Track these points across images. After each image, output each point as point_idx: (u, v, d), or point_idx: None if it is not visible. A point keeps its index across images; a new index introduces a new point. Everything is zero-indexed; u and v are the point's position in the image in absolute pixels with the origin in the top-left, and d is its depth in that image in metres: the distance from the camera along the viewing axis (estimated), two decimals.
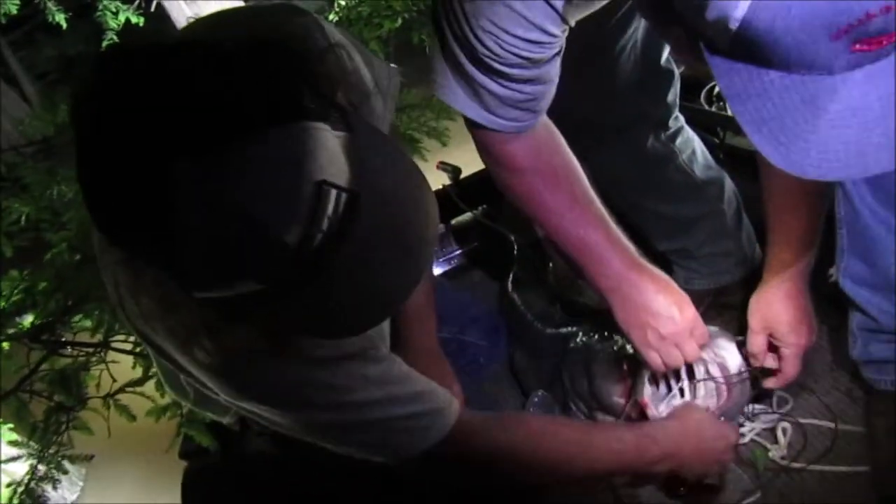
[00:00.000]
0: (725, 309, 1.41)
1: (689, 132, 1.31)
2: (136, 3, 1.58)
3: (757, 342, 1.11)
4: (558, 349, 1.31)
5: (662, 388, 1.14)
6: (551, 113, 1.05)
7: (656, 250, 1.40)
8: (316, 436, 0.89)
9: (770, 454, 1.12)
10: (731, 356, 1.12)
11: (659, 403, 1.12)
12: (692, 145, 1.30)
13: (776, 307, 1.08)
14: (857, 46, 0.52)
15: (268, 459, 1.09)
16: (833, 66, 0.54)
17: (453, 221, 1.76)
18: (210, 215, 0.52)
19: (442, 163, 1.63)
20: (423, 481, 1.02)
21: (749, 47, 0.54)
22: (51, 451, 1.44)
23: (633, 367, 1.15)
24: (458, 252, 1.75)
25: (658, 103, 1.24)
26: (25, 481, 1.43)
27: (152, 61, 0.56)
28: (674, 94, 1.25)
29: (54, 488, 1.48)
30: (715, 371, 1.12)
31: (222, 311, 0.65)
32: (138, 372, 1.44)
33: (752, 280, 1.37)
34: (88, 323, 1.42)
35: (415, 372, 0.94)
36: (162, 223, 0.52)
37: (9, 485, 1.45)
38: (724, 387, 1.11)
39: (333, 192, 0.53)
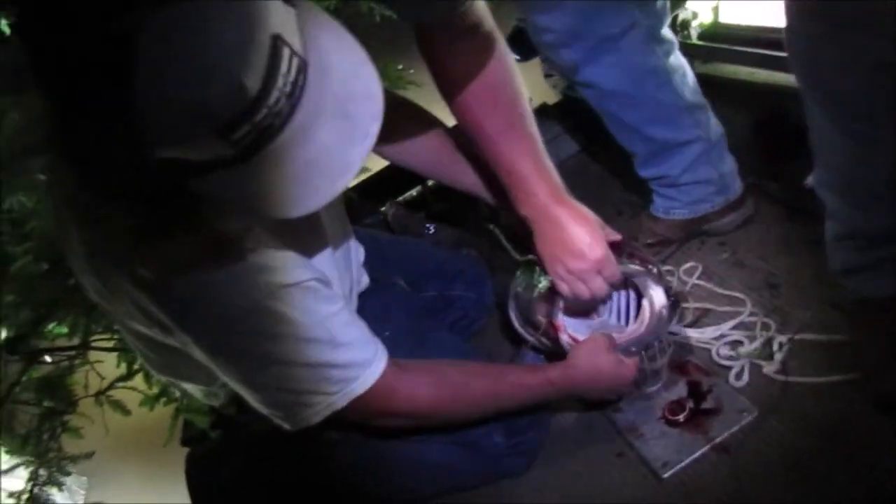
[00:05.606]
0: (708, 237, 1.43)
1: (679, 54, 1.30)
2: None
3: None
4: None
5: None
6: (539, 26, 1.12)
7: (639, 177, 1.41)
8: (246, 374, 0.88)
9: (764, 370, 1.14)
10: (656, 294, 1.17)
11: (569, 328, 1.20)
12: (683, 67, 1.30)
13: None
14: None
15: (270, 439, 1.08)
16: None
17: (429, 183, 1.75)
18: (172, 64, 0.53)
19: None
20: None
21: None
22: (50, 455, 1.42)
23: (555, 291, 1.19)
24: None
25: (648, 11, 1.23)
26: (29, 488, 1.41)
27: None
28: (663, 3, 1.24)
29: (60, 490, 1.46)
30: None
31: (164, 213, 0.65)
32: (123, 369, 1.42)
33: (730, 210, 1.38)
34: (64, 329, 1.40)
35: (357, 322, 0.94)
36: (123, 76, 0.52)
37: (11, 494, 1.43)
38: (645, 319, 1.17)
39: (287, 51, 0.55)
